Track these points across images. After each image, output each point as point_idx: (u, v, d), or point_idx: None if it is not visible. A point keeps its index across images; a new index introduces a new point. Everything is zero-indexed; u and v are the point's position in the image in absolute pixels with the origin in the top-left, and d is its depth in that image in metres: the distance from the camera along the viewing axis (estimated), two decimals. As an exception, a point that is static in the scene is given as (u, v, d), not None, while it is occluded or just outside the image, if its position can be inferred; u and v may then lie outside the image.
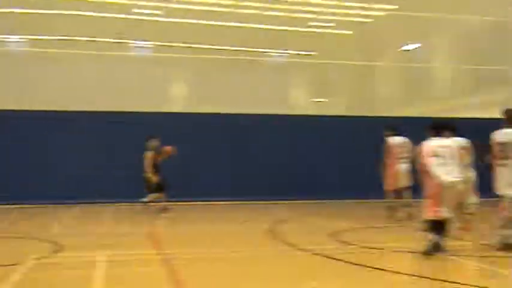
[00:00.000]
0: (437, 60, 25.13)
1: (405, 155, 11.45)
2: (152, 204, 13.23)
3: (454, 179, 7.47)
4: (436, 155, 7.50)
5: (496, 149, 7.70)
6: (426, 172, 7.54)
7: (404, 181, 11.45)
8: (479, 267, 6.97)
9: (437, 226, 7.42)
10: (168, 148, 13.23)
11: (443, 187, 7.43)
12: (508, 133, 7.66)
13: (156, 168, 13.13)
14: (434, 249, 7.27)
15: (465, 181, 8.09)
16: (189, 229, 11.23)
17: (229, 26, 22.85)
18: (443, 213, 7.44)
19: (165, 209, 13.17)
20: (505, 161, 7.58)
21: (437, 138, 7.69)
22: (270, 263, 7.36)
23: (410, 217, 11.00)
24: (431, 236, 7.38)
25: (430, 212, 7.50)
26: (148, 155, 13.07)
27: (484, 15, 21.52)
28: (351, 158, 16.54)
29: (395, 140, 11.70)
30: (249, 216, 13.37)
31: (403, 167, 11.46)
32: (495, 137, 7.74)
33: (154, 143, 13.18)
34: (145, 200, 13.09)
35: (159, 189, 13.05)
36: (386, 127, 11.91)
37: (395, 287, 5.96)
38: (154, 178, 12.96)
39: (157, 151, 13.21)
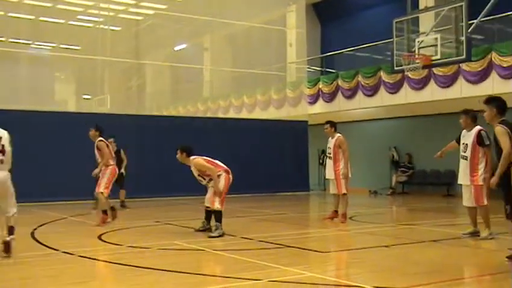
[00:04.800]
0: (205, 61, 26.05)
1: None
2: None
3: None
4: None
5: None
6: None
7: None
8: (242, 260, 7.35)
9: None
10: None
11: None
12: None
13: None
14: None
15: None
16: None
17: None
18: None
19: None
20: None
21: None
22: (34, 267, 6.86)
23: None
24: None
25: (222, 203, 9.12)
26: None
27: (249, 21, 22.87)
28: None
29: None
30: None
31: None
32: None
33: None
34: None
35: None
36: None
37: (157, 286, 5.97)
38: None
39: None
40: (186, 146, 9.50)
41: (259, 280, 5.92)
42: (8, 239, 7.17)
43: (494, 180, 6.87)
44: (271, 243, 8.46)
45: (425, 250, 8.07)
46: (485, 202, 8.58)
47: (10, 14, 21.07)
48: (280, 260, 7.10)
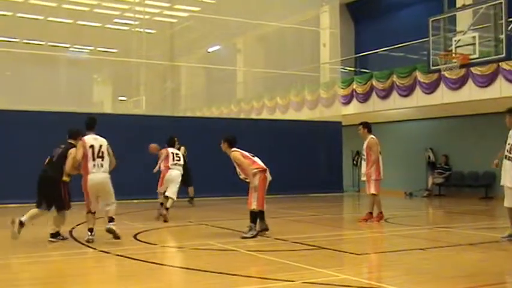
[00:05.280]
0: (239, 62, 26.13)
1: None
2: None
3: None
4: None
5: None
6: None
7: None
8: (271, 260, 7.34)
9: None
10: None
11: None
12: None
13: None
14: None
15: None
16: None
17: (25, 18, 21.31)
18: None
19: None
20: None
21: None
22: (72, 265, 6.99)
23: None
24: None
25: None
26: None
27: (283, 21, 22.85)
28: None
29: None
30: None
31: None
32: None
33: None
34: None
35: None
36: None
37: (190, 285, 6.01)
38: None
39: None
40: (230, 136, 9.55)
41: (293, 281, 5.90)
42: (108, 226, 8.45)
43: None
44: (305, 244, 8.44)
45: (462, 253, 7.92)
46: None
47: (49, 19, 21.52)
48: (313, 261, 7.07)
